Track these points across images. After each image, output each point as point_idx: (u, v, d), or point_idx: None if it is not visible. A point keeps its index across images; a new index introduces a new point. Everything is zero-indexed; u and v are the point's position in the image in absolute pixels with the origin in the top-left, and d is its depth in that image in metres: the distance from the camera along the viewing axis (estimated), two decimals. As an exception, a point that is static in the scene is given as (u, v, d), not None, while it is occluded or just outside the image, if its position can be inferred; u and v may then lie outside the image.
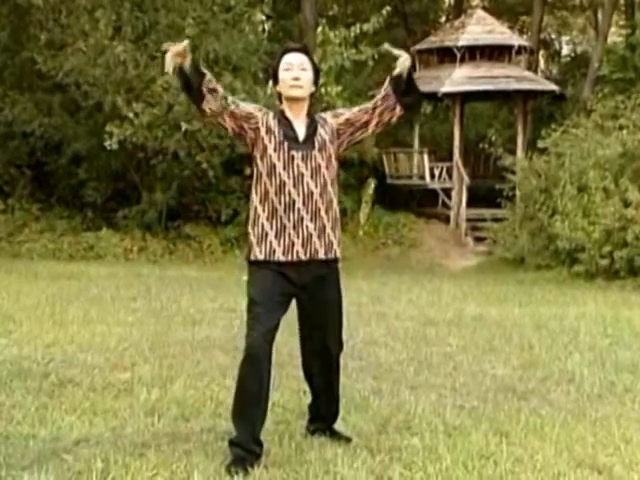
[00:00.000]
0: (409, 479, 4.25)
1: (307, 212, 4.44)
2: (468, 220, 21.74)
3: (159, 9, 18.07)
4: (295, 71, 4.49)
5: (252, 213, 4.52)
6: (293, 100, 4.52)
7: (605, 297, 12.82)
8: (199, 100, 4.39)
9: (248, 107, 4.54)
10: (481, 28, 23.48)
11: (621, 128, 17.70)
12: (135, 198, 18.94)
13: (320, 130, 4.54)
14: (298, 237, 4.44)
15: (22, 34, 18.73)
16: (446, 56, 23.29)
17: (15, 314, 8.96)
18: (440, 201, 22.80)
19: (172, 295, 11.14)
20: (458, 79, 22.45)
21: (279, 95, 4.60)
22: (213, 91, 4.38)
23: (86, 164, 18.93)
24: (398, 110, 4.67)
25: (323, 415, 4.87)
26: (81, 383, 6.00)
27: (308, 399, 5.15)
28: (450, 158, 22.81)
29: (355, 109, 4.71)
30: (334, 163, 4.58)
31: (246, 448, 4.35)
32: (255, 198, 4.51)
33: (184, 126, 17.30)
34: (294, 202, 4.42)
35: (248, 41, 18.59)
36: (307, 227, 4.45)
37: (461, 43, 22.79)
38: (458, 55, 22.73)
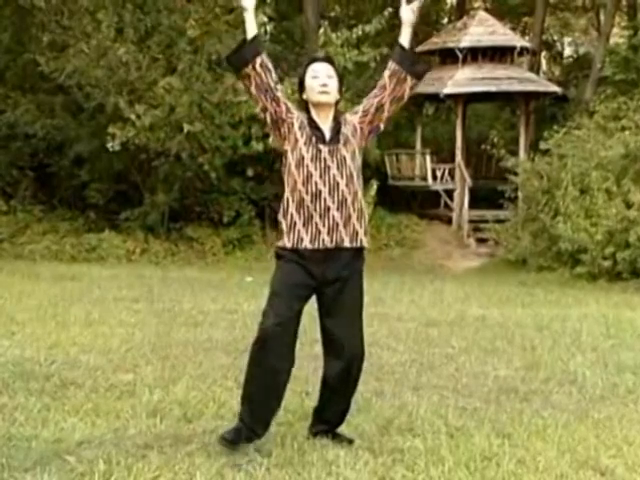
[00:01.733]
0: (411, 480, 4.25)
1: (333, 202, 4.59)
2: (470, 221, 21.74)
3: (161, 11, 18.08)
4: (322, 78, 4.67)
5: (283, 203, 4.68)
6: (320, 106, 4.69)
7: (607, 298, 12.82)
8: (244, 65, 4.62)
9: (289, 103, 4.71)
10: (483, 29, 23.47)
11: (623, 129, 17.70)
12: (137, 200, 18.95)
13: (343, 129, 4.70)
14: (324, 226, 4.58)
15: (24, 36, 18.76)
16: (448, 57, 23.29)
17: (17, 315, 8.97)
18: (442, 202, 22.82)
19: (174, 296, 11.15)
20: (460, 80, 22.45)
21: (305, 103, 4.74)
22: (267, 69, 4.61)
23: (88, 165, 18.95)
24: (409, 80, 4.76)
25: (326, 419, 4.87)
26: (83, 384, 6.00)
27: (312, 401, 5.16)
28: (452, 159, 22.81)
29: (365, 99, 4.84)
30: (358, 157, 4.73)
31: (248, 426, 4.56)
32: (286, 189, 4.67)
33: (186, 128, 17.31)
34: (320, 192, 4.58)
35: (250, 43, 18.56)
36: (333, 216, 4.59)
37: (463, 44, 22.79)
38: (460, 56, 22.72)
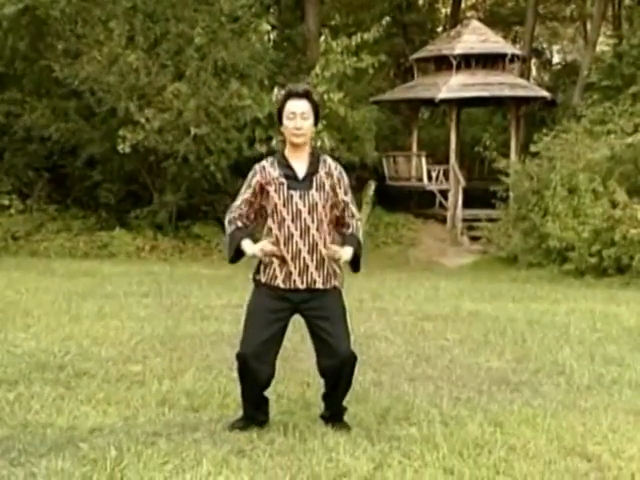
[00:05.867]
0: (407, 467, 4.25)
1: (304, 245, 4.62)
2: (464, 220, 21.73)
3: (170, 19, 18.06)
4: (297, 121, 4.63)
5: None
6: (296, 144, 4.68)
7: (594, 294, 12.81)
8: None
9: (249, 186, 4.74)
10: (476, 37, 23.45)
11: (609, 133, 17.71)
12: (147, 199, 18.93)
13: (322, 173, 4.69)
14: (295, 268, 4.63)
15: (40, 43, 18.72)
16: (443, 64, 23.27)
17: (33, 309, 8.97)
18: (437, 202, 22.79)
19: (182, 292, 11.14)
20: (454, 86, 22.43)
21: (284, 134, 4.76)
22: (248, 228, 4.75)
23: (100, 167, 18.93)
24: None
25: (329, 405, 4.93)
26: (96, 375, 6.01)
27: (312, 392, 5.16)
28: (447, 161, 22.80)
29: (348, 187, 4.77)
30: (329, 208, 4.67)
31: (250, 417, 4.81)
32: (263, 233, 4.74)
33: (193, 131, 17.31)
34: (292, 236, 4.62)
35: (254, 50, 18.57)
36: (304, 259, 4.63)
37: (457, 51, 22.77)
38: (454, 63, 22.71)
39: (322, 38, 19.45)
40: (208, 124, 17.56)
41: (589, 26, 30.22)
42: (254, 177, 4.75)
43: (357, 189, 21.58)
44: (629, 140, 16.65)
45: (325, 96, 18.26)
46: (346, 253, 4.67)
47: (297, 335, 6.38)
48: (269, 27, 18.71)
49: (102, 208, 19.12)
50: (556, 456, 4.46)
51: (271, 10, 20.79)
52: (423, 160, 22.74)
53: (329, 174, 4.69)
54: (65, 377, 5.92)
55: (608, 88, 21.79)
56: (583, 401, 5.68)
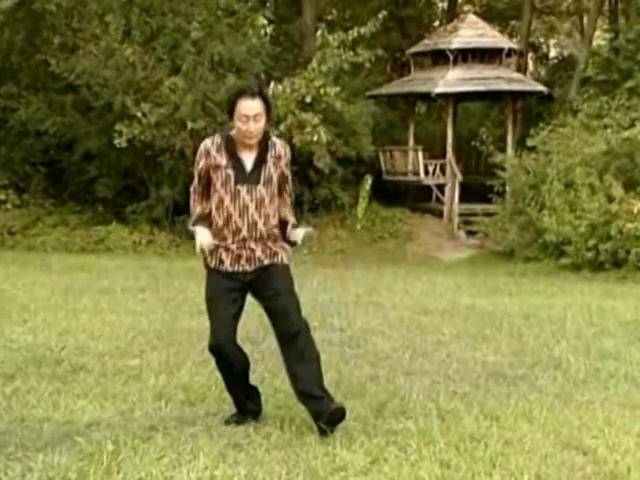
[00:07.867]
0: (404, 461, 4.25)
1: (251, 237, 4.68)
2: (460, 215, 21.73)
3: (166, 13, 18.04)
4: (250, 124, 4.56)
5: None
6: (247, 145, 4.68)
7: (590, 288, 12.81)
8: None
9: (199, 166, 4.72)
10: (473, 32, 23.44)
11: (606, 127, 17.71)
12: (143, 194, 18.92)
13: (270, 163, 4.69)
14: (242, 255, 4.70)
15: (36, 38, 18.71)
16: (440, 58, 23.25)
17: (30, 304, 8.96)
18: (434, 196, 22.79)
19: (178, 286, 11.13)
20: (451, 80, 22.42)
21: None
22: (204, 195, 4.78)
23: (97, 161, 18.92)
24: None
25: (301, 390, 4.72)
26: (92, 369, 6.01)
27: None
28: (443, 155, 22.78)
29: (286, 174, 4.80)
30: (275, 197, 4.74)
31: (243, 408, 4.87)
32: (212, 218, 4.72)
33: (189, 125, 17.30)
34: (240, 230, 4.67)
35: (251, 44, 18.56)
36: (251, 248, 4.69)
37: (454, 46, 22.76)
38: (451, 57, 22.69)
39: (319, 32, 19.44)
40: (204, 118, 17.55)
41: (586, 20, 30.18)
42: (200, 161, 4.72)
43: (354, 183, 21.61)
44: (625, 134, 16.64)
45: (322, 90, 18.25)
46: (298, 235, 4.80)
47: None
48: (265, 21, 18.69)
49: (99, 202, 19.11)
50: (552, 450, 4.47)
51: (267, 4, 20.81)
52: (420, 154, 22.72)
53: (277, 158, 4.70)
54: (62, 371, 5.92)
55: (604, 82, 21.80)
56: (579, 395, 5.69)
